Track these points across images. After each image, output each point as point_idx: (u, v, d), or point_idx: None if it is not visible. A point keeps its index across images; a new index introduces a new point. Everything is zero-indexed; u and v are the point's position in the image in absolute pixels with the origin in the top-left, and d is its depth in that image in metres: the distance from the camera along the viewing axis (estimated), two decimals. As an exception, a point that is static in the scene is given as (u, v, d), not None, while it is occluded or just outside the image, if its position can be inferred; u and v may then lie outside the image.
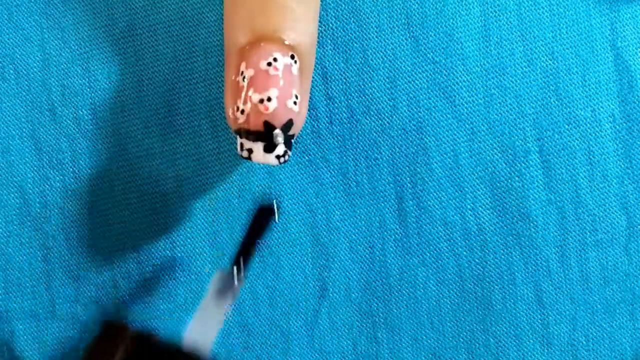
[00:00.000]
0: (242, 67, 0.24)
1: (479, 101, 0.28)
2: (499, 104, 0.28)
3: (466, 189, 0.28)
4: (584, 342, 0.28)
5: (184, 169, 0.28)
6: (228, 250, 0.28)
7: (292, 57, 0.24)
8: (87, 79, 0.28)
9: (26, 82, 0.28)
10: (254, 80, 0.24)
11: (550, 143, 0.28)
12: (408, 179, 0.28)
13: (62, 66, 0.28)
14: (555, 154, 0.28)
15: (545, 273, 0.28)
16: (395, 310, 0.28)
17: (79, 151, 0.28)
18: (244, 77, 0.24)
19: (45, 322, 0.28)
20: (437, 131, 0.28)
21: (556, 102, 0.28)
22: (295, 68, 0.24)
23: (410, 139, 0.27)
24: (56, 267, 0.28)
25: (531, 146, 0.28)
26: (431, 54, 0.27)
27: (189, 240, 0.28)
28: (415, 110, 0.27)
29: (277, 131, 0.24)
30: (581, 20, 0.28)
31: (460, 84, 0.28)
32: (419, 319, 0.28)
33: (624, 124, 0.28)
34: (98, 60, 0.28)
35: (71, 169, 0.28)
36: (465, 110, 0.28)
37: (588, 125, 0.28)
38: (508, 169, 0.28)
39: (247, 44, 0.24)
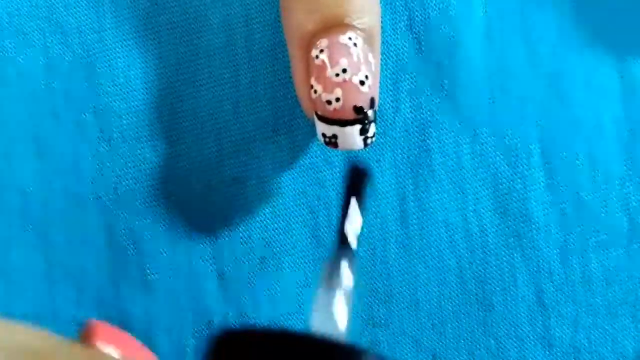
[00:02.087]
0: (315, 50, 0.24)
1: (482, 102, 0.28)
2: (501, 106, 0.28)
3: (468, 191, 0.28)
4: (585, 344, 0.28)
5: (187, 172, 0.28)
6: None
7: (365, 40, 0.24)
8: (90, 83, 0.28)
9: (29, 86, 0.28)
10: (348, 64, 0.23)
11: (552, 144, 0.28)
12: (410, 180, 0.28)
13: (65, 70, 0.28)
14: (557, 155, 0.28)
15: (546, 274, 0.28)
16: (396, 312, 0.28)
17: (82, 155, 0.28)
18: (319, 53, 0.24)
19: (47, 325, 0.28)
20: (439, 132, 0.28)
21: (559, 103, 0.28)
22: (369, 54, 0.24)
23: (413, 140, 0.27)
24: (58, 270, 0.28)
25: (533, 148, 0.28)
26: (434, 55, 0.27)
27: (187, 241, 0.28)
28: (417, 111, 0.27)
29: (370, 111, 0.24)
30: (585, 22, 0.28)
31: (463, 85, 0.28)
32: (420, 320, 0.28)
33: (626, 126, 0.28)
34: (101, 63, 0.28)
35: (74, 173, 0.28)
36: (468, 111, 0.28)
37: (590, 127, 0.28)
38: (510, 171, 0.28)
39: (319, 32, 0.24)
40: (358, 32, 0.24)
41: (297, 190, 0.28)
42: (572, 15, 0.28)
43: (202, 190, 0.28)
